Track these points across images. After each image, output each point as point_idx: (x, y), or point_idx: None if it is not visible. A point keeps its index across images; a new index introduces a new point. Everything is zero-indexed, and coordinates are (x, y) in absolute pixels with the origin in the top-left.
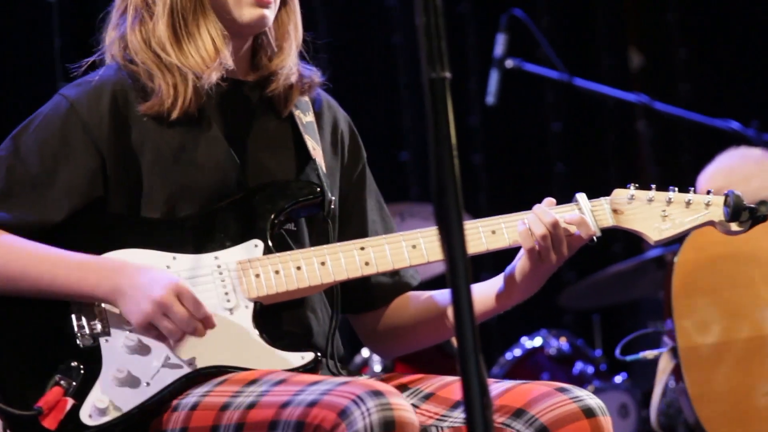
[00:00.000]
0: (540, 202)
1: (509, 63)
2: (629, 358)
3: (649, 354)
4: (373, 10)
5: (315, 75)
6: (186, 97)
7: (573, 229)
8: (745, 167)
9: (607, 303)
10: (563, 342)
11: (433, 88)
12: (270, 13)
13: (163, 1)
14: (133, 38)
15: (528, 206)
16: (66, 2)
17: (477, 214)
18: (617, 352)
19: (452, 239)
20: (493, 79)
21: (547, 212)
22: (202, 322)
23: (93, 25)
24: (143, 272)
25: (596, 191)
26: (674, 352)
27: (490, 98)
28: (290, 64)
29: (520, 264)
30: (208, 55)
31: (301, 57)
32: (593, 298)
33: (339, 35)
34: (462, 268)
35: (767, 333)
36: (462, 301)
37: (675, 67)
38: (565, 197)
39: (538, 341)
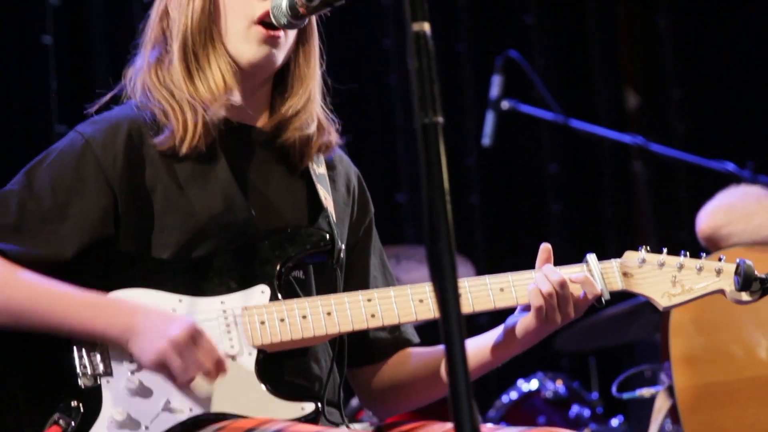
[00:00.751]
0: (536, 244)
1: (505, 104)
2: (626, 395)
3: (645, 392)
4: (370, 51)
5: (334, 138)
6: (196, 132)
7: (579, 289)
8: (746, 205)
9: (603, 345)
10: (559, 385)
11: (425, 133)
12: (278, 53)
13: (177, 37)
14: (149, 77)
15: (525, 248)
16: (62, 44)
17: (473, 255)
18: (614, 389)
19: (445, 285)
20: (489, 120)
21: (554, 271)
22: (215, 366)
23: (89, 66)
24: (157, 313)
25: (593, 232)
26: (671, 391)
27: (486, 140)
28: (306, 109)
29: (524, 321)
30: (217, 87)
31: (324, 99)
32: (589, 340)
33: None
34: (455, 315)
35: (764, 374)
36: (455, 347)
37: (671, 107)
38: (562, 238)
39: (534, 384)
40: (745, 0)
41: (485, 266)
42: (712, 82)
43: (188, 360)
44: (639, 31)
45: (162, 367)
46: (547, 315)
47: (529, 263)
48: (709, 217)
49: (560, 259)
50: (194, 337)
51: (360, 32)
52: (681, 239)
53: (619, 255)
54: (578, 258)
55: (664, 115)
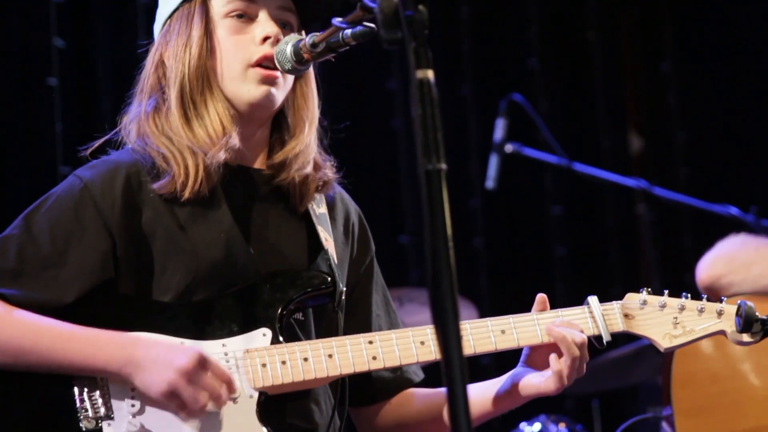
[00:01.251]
0: (541, 286)
1: (509, 147)
2: None
3: None
4: (374, 93)
5: (331, 174)
6: (198, 176)
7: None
8: (746, 254)
9: (607, 388)
10: (562, 428)
11: (429, 180)
12: (277, 92)
13: (174, 86)
14: (147, 125)
15: (529, 290)
16: (67, 86)
17: (478, 297)
18: None
19: (448, 332)
20: (493, 163)
21: (577, 334)
22: (226, 389)
23: (93, 109)
24: (159, 345)
25: (597, 275)
26: None
27: (490, 183)
28: (306, 152)
29: (538, 382)
30: (215, 132)
31: (320, 141)
32: (593, 383)
33: (340, 117)
34: (457, 362)
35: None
36: (457, 395)
37: (674, 150)
38: (566, 280)
39: (537, 427)
40: (748, 45)
41: (489, 308)
42: (715, 126)
43: (199, 387)
44: (643, 75)
45: (172, 398)
46: (568, 378)
47: (532, 304)
48: (709, 267)
49: (565, 301)
50: (202, 364)
51: (364, 74)
52: (685, 282)
53: (622, 297)
54: (581, 299)
55: (668, 159)
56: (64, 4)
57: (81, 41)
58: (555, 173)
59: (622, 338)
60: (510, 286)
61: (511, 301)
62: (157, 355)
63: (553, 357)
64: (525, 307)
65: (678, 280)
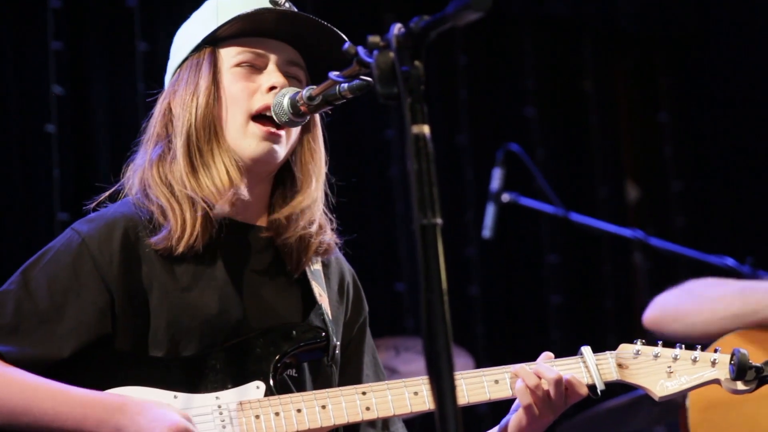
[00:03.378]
0: (536, 334)
1: (505, 197)
2: None
3: None
4: (371, 142)
5: (332, 240)
6: (194, 231)
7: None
8: (686, 303)
9: None
10: None
11: (424, 234)
12: (280, 149)
13: (180, 134)
14: (150, 173)
15: (525, 338)
16: (65, 133)
17: (474, 345)
18: None
19: (443, 385)
20: (489, 213)
21: (549, 369)
22: None
23: (91, 156)
24: (145, 411)
25: (593, 324)
26: None
27: (486, 232)
28: (313, 207)
29: (516, 418)
30: (222, 184)
31: (326, 198)
32: None
33: (337, 166)
34: (452, 415)
35: None
36: None
37: (671, 200)
38: (562, 329)
39: None
40: (744, 96)
41: (485, 356)
42: (712, 176)
43: None
44: (639, 125)
45: None
46: (540, 412)
47: (529, 353)
48: (651, 310)
49: (560, 349)
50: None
51: (361, 123)
52: None
53: (618, 346)
54: (577, 348)
55: (665, 208)
56: (63, 51)
57: (79, 88)
58: (551, 222)
59: (618, 388)
60: (506, 334)
61: (507, 348)
62: (141, 423)
63: (519, 388)
64: (520, 354)
65: None
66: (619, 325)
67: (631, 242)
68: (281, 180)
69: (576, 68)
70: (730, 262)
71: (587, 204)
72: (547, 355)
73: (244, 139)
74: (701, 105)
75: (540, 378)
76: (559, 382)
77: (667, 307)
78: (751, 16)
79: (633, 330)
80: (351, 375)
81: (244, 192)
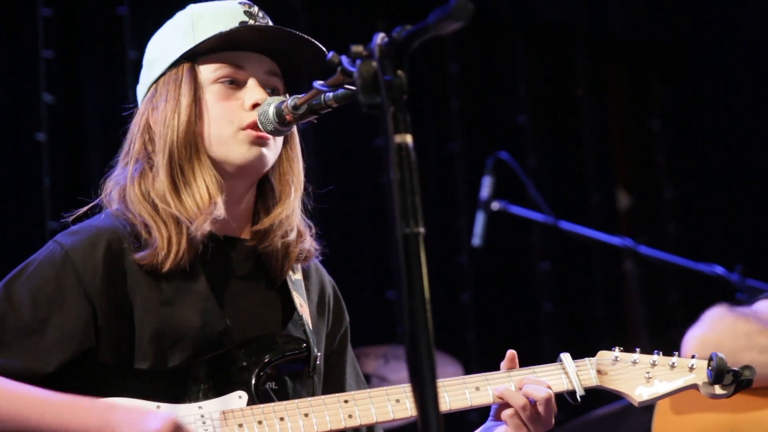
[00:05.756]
0: (528, 342)
1: (495, 205)
2: None
3: None
4: (362, 149)
5: (312, 246)
6: (180, 249)
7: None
8: (735, 340)
9: None
10: None
11: (406, 244)
12: (269, 153)
13: (162, 152)
14: (132, 190)
15: (516, 345)
16: (55, 141)
17: (465, 352)
18: None
19: (425, 393)
20: (479, 221)
21: (538, 388)
22: None
23: (82, 164)
24: (134, 410)
25: (584, 331)
26: None
27: (476, 240)
28: (291, 217)
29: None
30: (203, 201)
31: (303, 206)
32: None
33: (328, 173)
34: (435, 422)
35: None
36: None
37: (662, 207)
38: (553, 336)
39: None
40: (736, 103)
41: (476, 364)
42: (704, 184)
43: None
44: (632, 132)
45: None
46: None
47: (519, 361)
48: (696, 348)
49: (552, 357)
50: (176, 429)
51: (352, 130)
52: (673, 338)
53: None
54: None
55: (656, 216)
56: (54, 59)
57: (70, 96)
58: (542, 230)
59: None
60: (497, 342)
61: (498, 356)
62: (132, 420)
63: (507, 414)
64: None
65: (665, 336)
66: (611, 333)
67: (621, 250)
68: (262, 191)
69: (568, 75)
70: (719, 270)
71: (579, 211)
72: (511, 353)
73: (233, 146)
74: (694, 112)
75: (527, 398)
76: (549, 401)
77: (720, 346)
78: (744, 23)
79: (624, 337)
80: (334, 386)
81: (221, 210)
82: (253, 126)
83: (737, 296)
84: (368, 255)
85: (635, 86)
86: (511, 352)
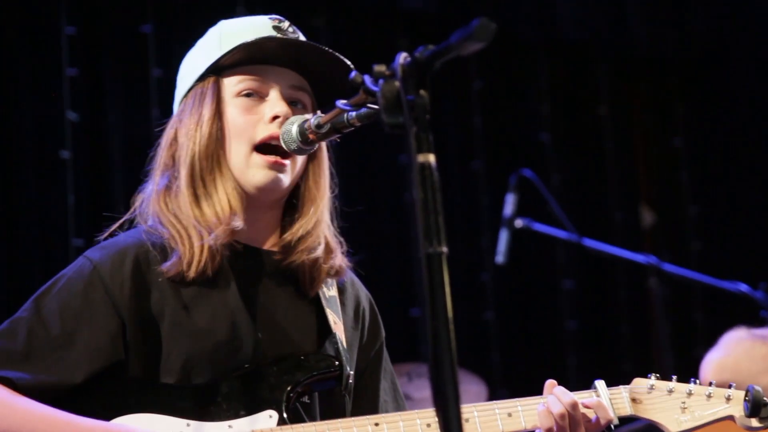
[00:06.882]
0: (551, 360)
1: (519, 223)
2: None
3: None
4: (386, 167)
5: (343, 261)
6: (202, 258)
7: (591, 413)
8: (753, 363)
9: None
10: None
11: (429, 263)
12: (284, 177)
13: (185, 163)
14: (158, 202)
15: (540, 363)
16: (80, 159)
17: (488, 370)
18: None
19: (448, 414)
20: (503, 238)
21: (566, 393)
22: None
23: (105, 182)
24: None
25: (608, 349)
26: None
27: (500, 257)
28: (313, 233)
29: None
30: (222, 211)
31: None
32: None
33: (351, 191)
34: None
35: None
36: None
37: (686, 225)
38: (577, 354)
39: None
40: (759, 121)
41: (500, 382)
42: (727, 201)
43: None
44: (655, 150)
45: None
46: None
47: (544, 379)
48: (715, 372)
49: (576, 374)
50: None
51: (376, 148)
52: (696, 356)
53: (634, 371)
54: (593, 373)
55: (680, 233)
56: (77, 77)
57: (94, 114)
58: (566, 247)
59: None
60: (521, 360)
61: (522, 374)
62: None
63: (542, 412)
64: (535, 380)
65: (689, 355)
66: (635, 351)
67: (645, 268)
68: (291, 204)
69: (591, 93)
70: (743, 288)
71: (603, 229)
72: (551, 383)
73: (248, 169)
74: (717, 130)
75: (564, 402)
76: (576, 406)
77: (738, 369)
78: (767, 41)
79: (649, 355)
80: (368, 401)
81: (239, 222)
82: (269, 139)
83: (761, 314)
84: (391, 271)
85: (658, 104)
86: (550, 382)
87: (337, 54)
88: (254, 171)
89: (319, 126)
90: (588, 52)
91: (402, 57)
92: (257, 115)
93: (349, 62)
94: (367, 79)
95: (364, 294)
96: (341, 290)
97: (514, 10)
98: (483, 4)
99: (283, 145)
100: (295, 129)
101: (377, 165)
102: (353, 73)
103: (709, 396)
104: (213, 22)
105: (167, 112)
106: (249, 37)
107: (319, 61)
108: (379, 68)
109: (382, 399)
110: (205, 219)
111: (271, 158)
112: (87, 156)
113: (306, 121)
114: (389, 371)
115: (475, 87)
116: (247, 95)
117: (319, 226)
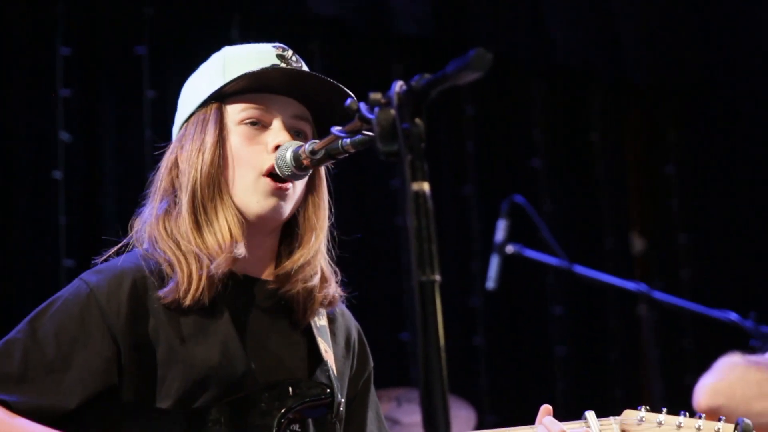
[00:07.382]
0: (541, 386)
1: (510, 248)
2: None
3: None
4: (378, 191)
5: (337, 292)
6: (200, 285)
7: None
8: (747, 388)
9: None
10: None
11: (422, 291)
12: (286, 205)
13: (186, 190)
14: (157, 227)
15: (529, 389)
16: (72, 180)
17: (477, 396)
18: None
19: None
20: (494, 264)
21: (555, 423)
22: None
23: (98, 203)
24: None
25: (598, 375)
26: None
27: (491, 283)
28: (312, 263)
29: None
30: (224, 239)
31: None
32: None
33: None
34: None
35: None
36: None
37: (677, 252)
38: (566, 380)
39: None
40: (750, 148)
41: (488, 407)
42: (718, 229)
43: None
44: (647, 177)
45: None
46: None
47: (533, 405)
48: (708, 396)
49: (565, 401)
50: None
51: (368, 171)
52: (686, 384)
53: (623, 398)
54: (582, 399)
55: (671, 261)
56: (71, 97)
57: (86, 135)
58: (556, 273)
59: None
60: (510, 386)
61: (511, 400)
62: None
63: None
64: (524, 406)
65: (679, 382)
66: (625, 378)
67: (635, 295)
68: (288, 233)
69: (583, 119)
70: (733, 317)
71: (594, 256)
72: (546, 409)
73: (252, 195)
74: (708, 158)
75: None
76: None
77: (732, 394)
78: (759, 69)
79: (638, 382)
80: (355, 430)
81: (242, 250)
82: (273, 169)
83: (751, 343)
84: (382, 296)
85: (650, 131)
86: (546, 408)
87: (340, 85)
88: (258, 198)
89: (313, 152)
90: (581, 78)
91: (398, 85)
92: (261, 144)
93: (351, 93)
94: (363, 106)
95: (354, 324)
96: (331, 320)
97: (508, 36)
98: (477, 30)
99: (277, 171)
100: (289, 154)
101: (369, 189)
102: (349, 100)
103: (698, 429)
104: (207, 44)
105: (161, 134)
106: (253, 64)
107: (322, 91)
108: (375, 96)
109: (368, 428)
110: (206, 246)
111: (277, 184)
112: (79, 177)
113: (300, 146)
114: (375, 402)
115: (468, 112)
116: (250, 123)
117: (317, 255)
